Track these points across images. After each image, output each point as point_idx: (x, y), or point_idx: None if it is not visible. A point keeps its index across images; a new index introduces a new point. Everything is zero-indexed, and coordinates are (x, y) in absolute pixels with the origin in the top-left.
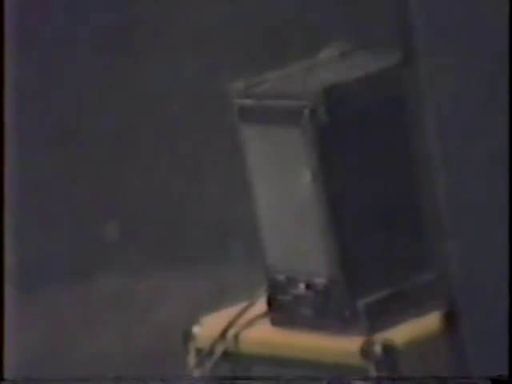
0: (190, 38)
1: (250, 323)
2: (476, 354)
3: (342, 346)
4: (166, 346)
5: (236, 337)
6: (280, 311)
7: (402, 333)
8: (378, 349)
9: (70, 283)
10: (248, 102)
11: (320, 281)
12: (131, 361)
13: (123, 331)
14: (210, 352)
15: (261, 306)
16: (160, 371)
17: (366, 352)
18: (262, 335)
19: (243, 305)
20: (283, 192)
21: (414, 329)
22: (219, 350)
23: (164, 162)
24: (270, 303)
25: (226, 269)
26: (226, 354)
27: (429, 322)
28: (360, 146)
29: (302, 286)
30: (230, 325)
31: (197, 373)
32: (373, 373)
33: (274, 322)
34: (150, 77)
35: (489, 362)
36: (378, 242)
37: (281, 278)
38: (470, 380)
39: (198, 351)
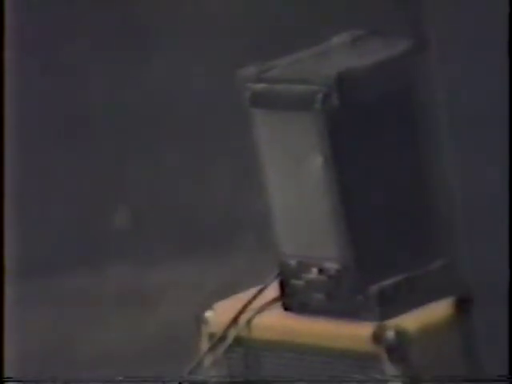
0: (194, 32)
1: (263, 308)
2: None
3: (354, 331)
4: (177, 336)
5: (248, 322)
6: (292, 296)
7: (414, 319)
8: (390, 334)
9: (80, 273)
10: (260, 86)
11: (332, 266)
12: (141, 352)
13: (133, 322)
14: (223, 337)
15: (273, 291)
16: (170, 363)
17: (378, 337)
18: (274, 320)
19: (255, 290)
20: (295, 177)
21: (427, 315)
22: (231, 334)
23: (176, 152)
24: (282, 288)
25: (238, 258)
26: (238, 339)
27: (441, 309)
28: (372, 132)
29: (314, 270)
30: (243, 310)
31: (209, 357)
32: (384, 358)
33: (286, 307)
34: (158, 73)
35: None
36: (390, 228)
37: (293, 262)
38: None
39: (211, 336)
